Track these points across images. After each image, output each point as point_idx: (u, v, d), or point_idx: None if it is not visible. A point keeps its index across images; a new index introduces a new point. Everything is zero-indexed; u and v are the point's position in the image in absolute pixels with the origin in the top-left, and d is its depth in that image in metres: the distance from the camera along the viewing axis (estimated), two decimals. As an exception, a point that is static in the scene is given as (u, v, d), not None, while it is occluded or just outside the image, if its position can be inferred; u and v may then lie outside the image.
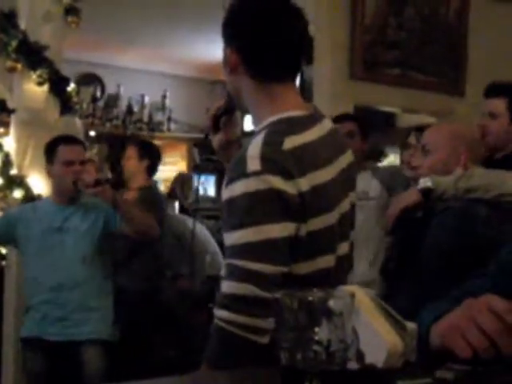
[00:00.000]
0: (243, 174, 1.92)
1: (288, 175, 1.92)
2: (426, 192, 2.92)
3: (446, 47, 6.11)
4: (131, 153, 5.21)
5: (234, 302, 1.88)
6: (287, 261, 1.95)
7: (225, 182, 1.99)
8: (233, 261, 1.92)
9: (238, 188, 1.92)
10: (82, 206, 4.09)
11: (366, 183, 4.22)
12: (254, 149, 1.95)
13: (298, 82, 2.53)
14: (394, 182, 4.26)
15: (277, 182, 1.91)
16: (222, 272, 1.96)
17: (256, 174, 1.91)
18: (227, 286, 1.91)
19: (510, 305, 1.28)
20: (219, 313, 1.90)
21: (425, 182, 2.94)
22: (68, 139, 4.09)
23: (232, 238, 1.94)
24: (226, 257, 1.96)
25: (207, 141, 2.48)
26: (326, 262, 2.05)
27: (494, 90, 3.77)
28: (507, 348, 1.25)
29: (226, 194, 1.96)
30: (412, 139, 4.00)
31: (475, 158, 3.10)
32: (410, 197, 3.01)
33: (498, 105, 3.71)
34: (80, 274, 3.97)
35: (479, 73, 6.00)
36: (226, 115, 2.38)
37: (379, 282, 4.06)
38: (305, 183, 1.95)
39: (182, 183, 6.52)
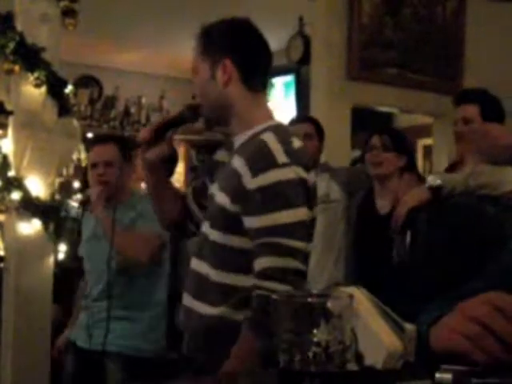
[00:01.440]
0: (275, 164, 2.22)
1: (306, 168, 2.28)
2: (436, 190, 2.93)
3: (442, 47, 6.12)
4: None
5: (280, 274, 2.17)
6: (310, 240, 2.32)
7: (247, 173, 2.24)
8: (273, 239, 2.20)
9: (273, 176, 2.22)
10: (125, 210, 3.81)
11: (326, 186, 4.23)
12: (274, 145, 2.25)
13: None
14: (353, 182, 4.28)
15: (301, 172, 2.26)
16: (256, 250, 2.23)
17: (286, 165, 2.23)
18: (271, 261, 2.19)
19: None
20: (265, 284, 2.16)
21: (434, 180, 2.95)
22: (94, 139, 4.06)
23: (270, 219, 2.21)
24: (262, 236, 2.22)
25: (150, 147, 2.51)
26: (311, 248, 2.37)
27: (465, 97, 3.85)
28: None
29: (259, 182, 2.22)
30: (375, 141, 4.06)
31: (484, 154, 3.11)
32: (419, 195, 3.02)
33: (471, 111, 3.77)
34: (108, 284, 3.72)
35: (476, 72, 6.01)
36: (176, 127, 2.51)
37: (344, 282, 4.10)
38: (312, 177, 2.32)
39: None
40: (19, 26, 4.58)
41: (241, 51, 2.41)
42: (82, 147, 8.26)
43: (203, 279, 2.37)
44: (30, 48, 4.54)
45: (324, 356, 1.08)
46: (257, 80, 2.45)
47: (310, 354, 1.08)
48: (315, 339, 1.08)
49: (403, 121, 7.63)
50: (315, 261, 4.08)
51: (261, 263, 2.21)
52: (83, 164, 8.31)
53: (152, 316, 3.87)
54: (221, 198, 2.33)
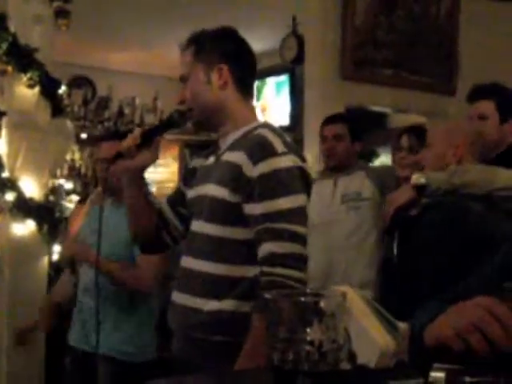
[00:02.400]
0: (274, 153, 2.29)
1: (302, 158, 2.38)
2: (420, 188, 2.93)
3: (436, 47, 6.13)
4: None
5: (287, 259, 2.20)
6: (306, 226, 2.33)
7: (248, 162, 2.29)
8: (278, 224, 2.24)
9: (273, 164, 2.28)
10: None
11: (359, 184, 4.20)
12: (272, 137, 2.33)
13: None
14: (387, 181, 4.24)
15: (298, 161, 2.33)
16: (259, 236, 2.26)
17: (285, 154, 2.30)
18: (277, 246, 2.22)
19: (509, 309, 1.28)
20: (275, 270, 2.19)
21: (418, 179, 2.95)
22: (101, 136, 4.03)
23: (272, 205, 2.26)
24: (265, 222, 2.25)
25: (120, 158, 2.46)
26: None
27: (480, 93, 3.79)
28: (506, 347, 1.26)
29: (259, 169, 2.27)
30: (404, 141, 4.01)
31: (475, 151, 3.11)
32: (403, 194, 3.02)
33: (487, 106, 3.73)
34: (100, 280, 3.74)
35: (470, 72, 6.01)
36: (164, 131, 2.50)
37: (376, 283, 4.05)
38: (307, 166, 2.40)
39: None
40: (12, 27, 4.57)
41: (236, 58, 2.48)
42: (75, 148, 8.31)
43: (204, 275, 2.37)
44: (23, 49, 4.53)
45: (317, 355, 1.08)
46: (248, 85, 2.55)
47: (303, 353, 1.08)
48: (308, 338, 1.08)
49: (396, 120, 7.63)
50: (345, 260, 4.07)
51: (266, 249, 2.24)
52: (77, 164, 8.37)
53: (142, 319, 3.81)
54: (217, 192, 2.35)
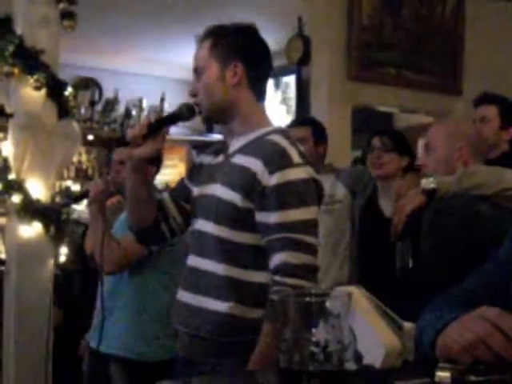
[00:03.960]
0: (291, 164, 2.29)
1: (315, 169, 2.38)
2: (430, 193, 2.93)
3: (442, 47, 6.12)
4: None
5: (301, 270, 2.23)
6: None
7: (264, 171, 2.28)
8: (292, 235, 2.25)
9: (290, 175, 2.28)
10: None
11: (331, 186, 4.21)
12: (287, 146, 2.33)
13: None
14: (357, 183, 4.26)
15: (313, 172, 2.35)
16: (272, 245, 2.26)
17: (301, 165, 2.31)
18: (291, 256, 2.23)
19: None
20: (287, 280, 2.21)
21: (428, 183, 2.95)
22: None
23: (287, 215, 2.26)
24: (279, 231, 2.26)
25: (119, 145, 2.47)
26: None
27: (485, 99, 3.97)
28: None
29: (276, 179, 2.27)
30: (375, 141, 4.06)
31: (478, 153, 3.11)
32: (414, 200, 3.01)
33: (490, 111, 3.88)
34: (109, 282, 3.68)
35: (476, 71, 6.02)
36: (171, 124, 2.48)
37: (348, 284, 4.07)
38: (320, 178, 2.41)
39: None
40: (18, 29, 4.58)
41: (253, 57, 2.46)
42: (82, 149, 8.31)
43: (210, 276, 2.37)
44: (30, 51, 4.54)
45: (323, 355, 1.08)
46: (262, 86, 2.51)
47: (309, 354, 1.08)
48: (314, 339, 1.08)
49: (403, 121, 7.63)
50: (320, 262, 4.08)
51: (280, 258, 2.25)
52: (84, 166, 8.38)
53: (153, 318, 3.81)
54: (227, 195, 2.34)
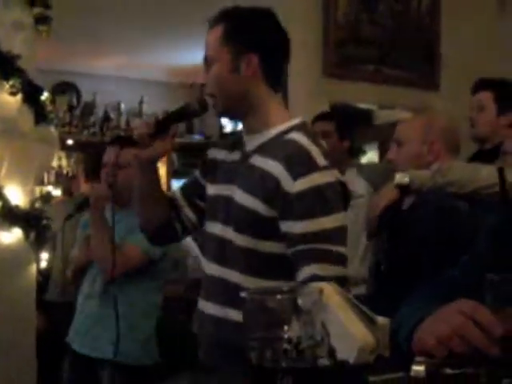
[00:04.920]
0: (316, 167, 2.13)
1: (340, 170, 2.17)
2: (403, 188, 2.93)
3: (419, 42, 6.14)
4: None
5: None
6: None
7: (287, 176, 2.12)
8: (321, 245, 2.10)
9: (316, 180, 2.12)
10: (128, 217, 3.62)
11: (352, 181, 4.20)
12: (311, 147, 2.16)
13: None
14: (379, 178, 4.25)
15: (338, 174, 2.25)
16: (300, 256, 2.10)
17: (327, 168, 2.15)
18: (322, 269, 2.07)
19: (494, 316, 1.28)
20: None
21: (401, 178, 2.95)
22: (110, 140, 4.01)
23: (315, 224, 2.11)
24: (308, 242, 2.10)
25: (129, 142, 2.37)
26: None
27: (480, 85, 3.86)
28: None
29: (301, 185, 2.11)
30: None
31: (450, 146, 3.11)
32: (387, 195, 3.01)
33: (486, 97, 3.79)
34: (103, 284, 3.75)
35: (453, 67, 6.03)
36: (182, 120, 2.40)
37: (369, 281, 4.05)
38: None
39: None
40: (-8, 34, 4.55)
41: (269, 47, 2.28)
42: (62, 154, 8.28)
43: (232, 286, 2.22)
44: (5, 56, 4.51)
45: (295, 352, 1.08)
46: (278, 77, 2.35)
47: (281, 351, 1.08)
48: (286, 335, 1.08)
49: (382, 117, 7.63)
50: None
51: (308, 271, 2.09)
52: (64, 171, 8.35)
53: (145, 321, 3.80)
54: (248, 202, 2.20)
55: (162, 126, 2.26)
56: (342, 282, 1.99)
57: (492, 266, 1.43)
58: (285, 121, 2.29)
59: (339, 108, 5.75)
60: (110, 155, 3.90)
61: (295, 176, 2.11)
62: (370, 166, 4.56)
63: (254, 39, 2.25)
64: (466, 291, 1.40)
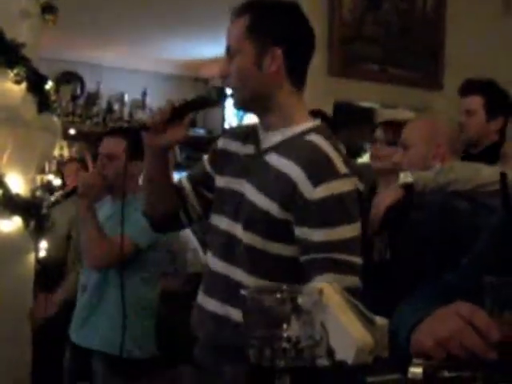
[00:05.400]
0: (336, 175, 2.07)
1: (360, 176, 2.20)
2: (407, 188, 2.93)
3: (423, 42, 6.14)
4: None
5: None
6: None
7: (306, 182, 2.06)
8: (339, 255, 2.05)
9: (336, 188, 2.06)
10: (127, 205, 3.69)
11: None
12: (331, 152, 2.10)
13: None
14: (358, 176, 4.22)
15: (357, 183, 2.15)
16: (315, 264, 2.05)
17: (347, 175, 2.10)
18: (335, 280, 1.95)
19: (491, 321, 1.28)
20: None
21: (405, 178, 2.95)
22: (106, 131, 4.03)
23: (334, 233, 2.06)
24: (325, 251, 2.05)
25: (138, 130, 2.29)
26: None
27: (469, 88, 3.83)
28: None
29: (321, 192, 2.05)
30: (379, 133, 4.00)
31: (454, 150, 3.12)
32: (391, 194, 3.01)
33: (474, 102, 3.77)
34: (96, 275, 3.75)
35: (457, 67, 6.03)
36: (198, 109, 2.35)
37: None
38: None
39: None
40: (-2, 22, 4.55)
41: (294, 42, 2.20)
42: (64, 143, 8.29)
43: (236, 285, 2.16)
44: (10, 44, 4.50)
45: (294, 351, 1.08)
46: (302, 74, 2.25)
47: (280, 350, 1.08)
48: (285, 334, 1.08)
49: (385, 116, 7.63)
50: None
51: (322, 280, 2.00)
52: (66, 160, 8.35)
53: (139, 316, 3.75)
54: (261, 202, 2.14)
55: (178, 113, 2.22)
56: (355, 292, 1.89)
57: (492, 267, 1.44)
58: (305, 120, 2.23)
59: (341, 106, 5.75)
60: (105, 145, 3.90)
61: (315, 182, 2.06)
62: (362, 165, 4.50)
63: (278, 33, 2.18)
64: (467, 294, 1.40)
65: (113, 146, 3.83)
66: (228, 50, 2.21)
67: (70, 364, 3.95)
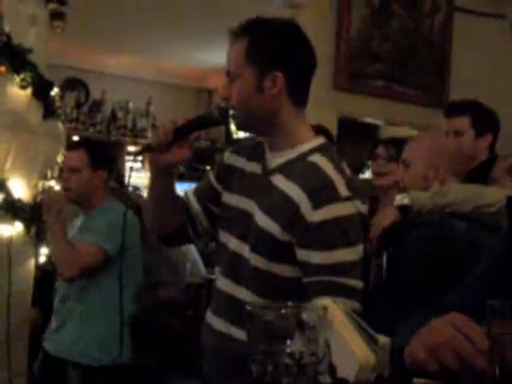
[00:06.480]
0: (338, 198, 2.06)
1: (362, 199, 2.14)
2: (404, 209, 2.93)
3: (429, 60, 6.16)
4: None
5: None
6: None
7: (308, 204, 2.06)
8: (338, 278, 2.04)
9: (337, 211, 2.05)
10: (95, 216, 3.88)
11: None
12: (334, 175, 2.09)
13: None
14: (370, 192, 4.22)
15: (359, 205, 2.11)
16: (315, 287, 2.05)
17: (349, 199, 2.07)
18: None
19: (482, 330, 1.29)
20: None
21: (402, 199, 2.95)
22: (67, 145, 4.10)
23: (334, 256, 2.05)
24: (325, 274, 2.04)
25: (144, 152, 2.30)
26: None
27: (455, 109, 3.86)
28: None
29: (321, 215, 2.05)
30: (380, 150, 4.01)
31: (456, 171, 3.12)
32: (389, 215, 3.01)
33: (462, 123, 3.79)
34: (69, 286, 3.81)
35: (462, 86, 6.04)
36: (201, 129, 2.30)
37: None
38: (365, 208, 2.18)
39: None
40: (7, 27, 4.55)
41: (294, 66, 2.19)
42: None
43: (242, 306, 2.15)
44: (17, 49, 4.51)
45: (296, 367, 1.08)
46: (303, 95, 2.25)
47: (283, 365, 1.08)
48: (288, 350, 1.08)
49: (388, 133, 7.64)
50: None
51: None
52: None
53: (109, 324, 3.73)
54: (267, 224, 2.14)
55: (180, 134, 2.21)
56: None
57: (495, 290, 1.44)
58: (309, 139, 2.23)
59: (345, 122, 5.76)
60: (67, 159, 4.05)
61: (316, 205, 2.06)
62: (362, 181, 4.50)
63: (278, 56, 2.16)
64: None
65: (75, 158, 3.91)
66: (228, 73, 2.21)
67: (40, 373, 3.96)
